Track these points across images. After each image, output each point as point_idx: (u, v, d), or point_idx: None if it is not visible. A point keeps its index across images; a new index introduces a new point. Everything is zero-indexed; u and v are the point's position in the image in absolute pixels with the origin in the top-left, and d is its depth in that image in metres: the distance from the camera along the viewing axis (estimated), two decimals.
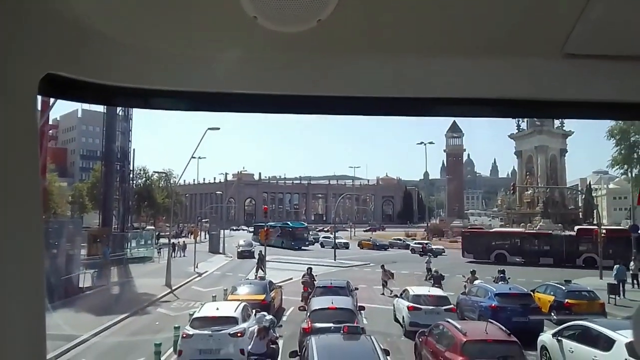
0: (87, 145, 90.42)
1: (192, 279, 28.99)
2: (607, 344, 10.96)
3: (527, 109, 1.60)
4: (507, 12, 1.27)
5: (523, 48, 1.35)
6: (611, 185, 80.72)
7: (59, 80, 1.31)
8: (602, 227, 33.49)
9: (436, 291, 18.58)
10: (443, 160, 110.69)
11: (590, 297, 18.81)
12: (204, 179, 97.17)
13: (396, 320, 17.80)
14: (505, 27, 1.30)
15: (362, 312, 16.64)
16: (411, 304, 16.60)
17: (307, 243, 50.83)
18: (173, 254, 34.24)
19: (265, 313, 13.33)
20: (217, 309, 14.49)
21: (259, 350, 11.15)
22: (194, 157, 44.87)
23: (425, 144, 79.47)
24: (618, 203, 74.86)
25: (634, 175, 39.96)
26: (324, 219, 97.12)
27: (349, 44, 1.37)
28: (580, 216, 59.93)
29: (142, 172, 52.71)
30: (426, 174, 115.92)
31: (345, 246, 51.60)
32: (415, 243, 51.10)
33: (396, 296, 18.71)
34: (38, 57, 1.24)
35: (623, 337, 10.69)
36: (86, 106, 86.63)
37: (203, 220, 61.03)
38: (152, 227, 51.94)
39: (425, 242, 51.15)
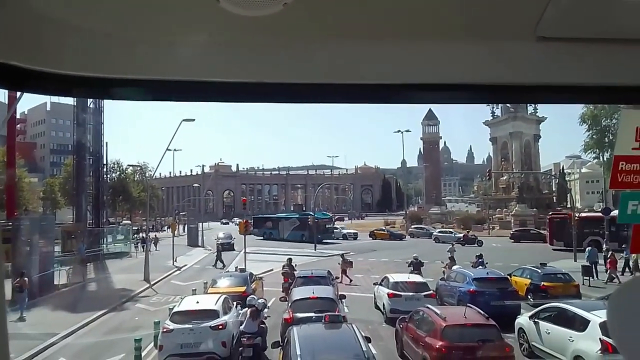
0: (58, 139, 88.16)
1: (171, 273, 28.67)
2: (582, 324, 11.23)
3: (500, 94, 1.58)
4: None
5: (495, 32, 1.32)
6: (584, 170, 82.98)
7: (12, 70, 1.20)
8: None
9: (415, 278, 18.79)
10: (420, 148, 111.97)
11: (565, 279, 19.28)
12: (180, 172, 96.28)
13: (377, 307, 17.95)
14: (476, 11, 1.26)
15: (343, 300, 16.71)
16: (391, 291, 16.75)
17: (333, 236, 45.55)
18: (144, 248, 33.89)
19: (255, 296, 14.33)
20: (198, 302, 14.34)
21: (252, 330, 12.49)
22: (169, 150, 44.40)
23: (402, 132, 79.91)
24: (590, 187, 76.96)
25: (605, 159, 41.01)
26: (304, 209, 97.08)
27: (318, 29, 1.31)
28: (555, 200, 61.33)
29: (116, 165, 51.88)
30: (404, 162, 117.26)
31: (354, 236, 48.40)
32: (438, 231, 47.26)
33: (375, 284, 18.84)
34: None
35: (597, 317, 10.98)
36: (55, 99, 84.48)
37: (181, 213, 60.34)
38: (129, 222, 51.19)
39: (467, 230, 47.62)
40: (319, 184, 76.24)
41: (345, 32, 1.32)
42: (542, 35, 1.30)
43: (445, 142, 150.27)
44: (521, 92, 1.49)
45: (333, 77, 1.38)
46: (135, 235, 41.11)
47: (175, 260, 31.60)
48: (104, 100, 40.24)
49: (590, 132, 39.90)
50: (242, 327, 12.60)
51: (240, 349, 12.33)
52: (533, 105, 63.87)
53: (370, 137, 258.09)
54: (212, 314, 13.20)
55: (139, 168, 48.36)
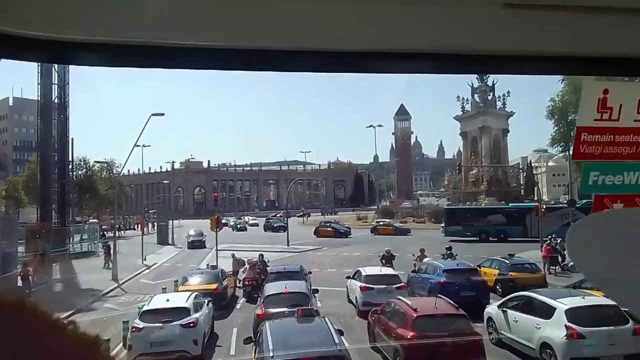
0: (21, 135, 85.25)
1: (141, 271, 28.08)
2: (548, 312, 11.50)
3: (466, 63, 1.51)
4: None
5: None
6: (550, 163, 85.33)
7: None
8: None
9: (387, 270, 18.91)
10: (392, 143, 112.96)
11: (532, 269, 19.79)
12: (149, 168, 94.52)
13: (349, 301, 18.00)
14: None
15: (315, 294, 16.70)
16: (363, 284, 16.81)
17: None
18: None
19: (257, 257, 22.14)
20: (168, 300, 14.10)
21: (250, 276, 19.47)
22: (138, 145, 43.21)
23: (374, 127, 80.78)
24: (557, 180, 79.27)
25: (571, 152, 42.08)
26: (276, 205, 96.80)
27: None
28: (522, 193, 62.82)
29: (82, 162, 50.36)
30: (376, 157, 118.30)
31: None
32: None
33: (348, 277, 18.89)
34: None
35: (563, 304, 11.30)
36: (18, 94, 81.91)
37: (150, 211, 59.15)
38: (96, 221, 49.88)
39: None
40: (292, 180, 75.98)
41: None
42: (509, 2, 1.24)
43: (416, 137, 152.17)
44: (488, 61, 1.42)
45: (293, 43, 1.27)
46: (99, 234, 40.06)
47: (145, 259, 31.00)
48: (69, 95, 39.14)
49: (558, 126, 40.91)
50: (245, 275, 19.94)
51: (244, 287, 19.34)
52: (502, 100, 65.30)
53: (342, 133, 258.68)
54: (182, 311, 13.00)
55: (106, 165, 47.07)
